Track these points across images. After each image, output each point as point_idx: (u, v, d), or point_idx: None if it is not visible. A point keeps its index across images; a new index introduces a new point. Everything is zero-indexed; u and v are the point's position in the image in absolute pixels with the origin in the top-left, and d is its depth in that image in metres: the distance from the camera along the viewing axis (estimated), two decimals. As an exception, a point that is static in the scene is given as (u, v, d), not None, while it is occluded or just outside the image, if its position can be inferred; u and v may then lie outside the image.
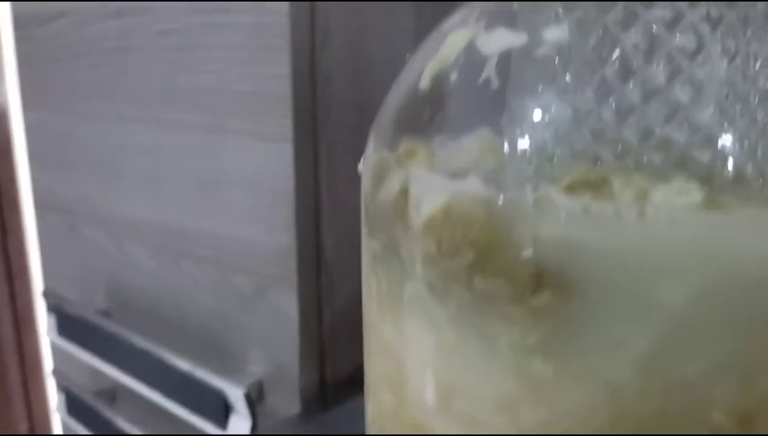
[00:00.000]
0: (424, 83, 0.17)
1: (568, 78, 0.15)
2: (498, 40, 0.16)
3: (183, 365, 0.47)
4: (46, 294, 0.59)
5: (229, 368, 0.48)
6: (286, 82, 0.42)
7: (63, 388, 0.59)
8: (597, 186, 0.14)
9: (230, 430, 0.43)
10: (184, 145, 0.49)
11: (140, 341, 0.52)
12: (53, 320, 0.58)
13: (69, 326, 0.57)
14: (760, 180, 0.14)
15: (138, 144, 0.53)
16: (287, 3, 0.41)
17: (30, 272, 0.87)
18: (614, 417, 0.14)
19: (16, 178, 0.92)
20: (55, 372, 0.61)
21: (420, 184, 0.16)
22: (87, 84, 0.57)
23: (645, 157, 0.14)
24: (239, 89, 0.45)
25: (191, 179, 0.49)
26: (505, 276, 0.14)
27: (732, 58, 0.15)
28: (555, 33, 0.15)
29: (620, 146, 0.15)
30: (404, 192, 0.16)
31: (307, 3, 0.42)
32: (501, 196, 0.14)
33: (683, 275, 0.13)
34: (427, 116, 0.17)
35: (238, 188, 0.46)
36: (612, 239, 0.13)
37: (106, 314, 0.58)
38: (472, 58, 0.17)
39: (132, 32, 0.52)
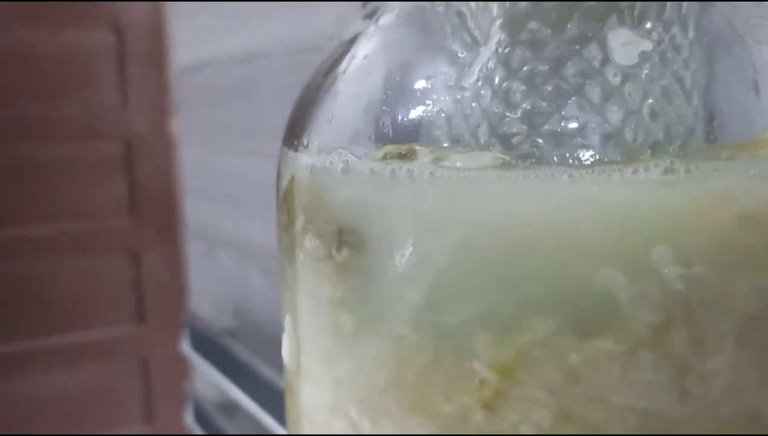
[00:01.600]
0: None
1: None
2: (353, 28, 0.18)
3: (281, 382, 0.51)
4: (185, 311, 0.66)
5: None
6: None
7: (192, 398, 0.65)
8: (404, 157, 0.15)
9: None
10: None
11: (252, 360, 0.56)
12: (188, 335, 0.65)
13: (200, 341, 0.63)
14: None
15: (257, 175, 0.59)
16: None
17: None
18: (397, 368, 0.15)
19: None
20: (188, 383, 0.67)
21: (283, 163, 0.18)
22: (223, 124, 0.64)
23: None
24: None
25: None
26: (321, 236, 0.16)
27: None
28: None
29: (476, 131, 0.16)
30: (278, 172, 0.18)
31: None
32: (318, 165, 0.16)
33: (445, 231, 0.14)
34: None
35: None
36: (389, 197, 0.14)
37: (231, 333, 0.63)
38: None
39: (254, 76, 0.58)
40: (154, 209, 1.46)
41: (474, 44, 0.16)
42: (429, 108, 0.16)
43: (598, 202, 0.13)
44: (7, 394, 1.32)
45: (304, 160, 0.17)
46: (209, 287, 0.70)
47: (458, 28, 0.16)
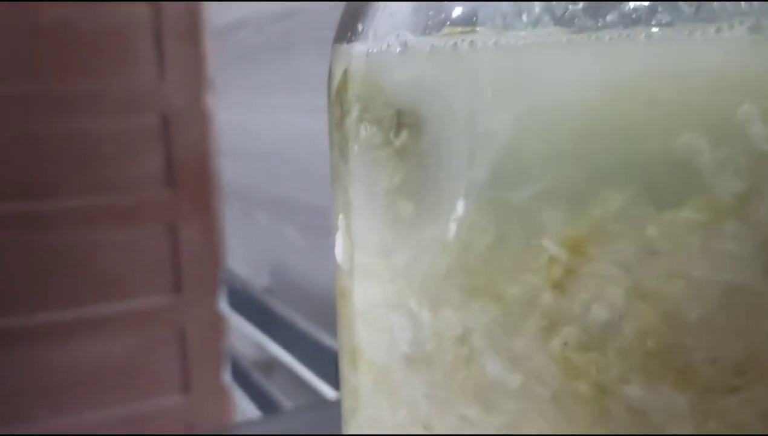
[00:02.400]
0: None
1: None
2: None
3: (317, 334, 0.51)
4: (222, 271, 0.67)
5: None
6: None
7: (230, 356, 0.65)
8: (463, 34, 0.14)
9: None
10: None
11: (291, 315, 0.56)
12: (225, 294, 0.65)
13: (237, 299, 0.64)
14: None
15: (295, 131, 0.58)
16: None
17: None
18: (460, 252, 0.14)
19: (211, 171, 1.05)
20: (225, 342, 0.68)
21: (335, 59, 0.17)
22: (260, 82, 0.64)
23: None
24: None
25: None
26: (377, 122, 0.15)
27: None
28: None
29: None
30: (329, 71, 0.18)
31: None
32: (374, 50, 0.15)
33: (509, 102, 0.13)
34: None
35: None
36: (451, 72, 0.14)
37: (269, 290, 0.64)
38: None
39: (293, 31, 0.57)
40: (191, 181, 1.47)
41: None
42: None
43: (679, 64, 0.12)
44: (48, 362, 1.35)
45: (358, 48, 0.16)
46: (246, 248, 0.70)
47: None
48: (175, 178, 1.47)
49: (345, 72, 0.16)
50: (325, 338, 0.49)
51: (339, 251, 0.17)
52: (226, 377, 0.66)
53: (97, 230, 1.39)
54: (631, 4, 0.14)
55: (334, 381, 0.48)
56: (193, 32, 1.47)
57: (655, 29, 0.12)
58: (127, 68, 1.41)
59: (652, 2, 0.14)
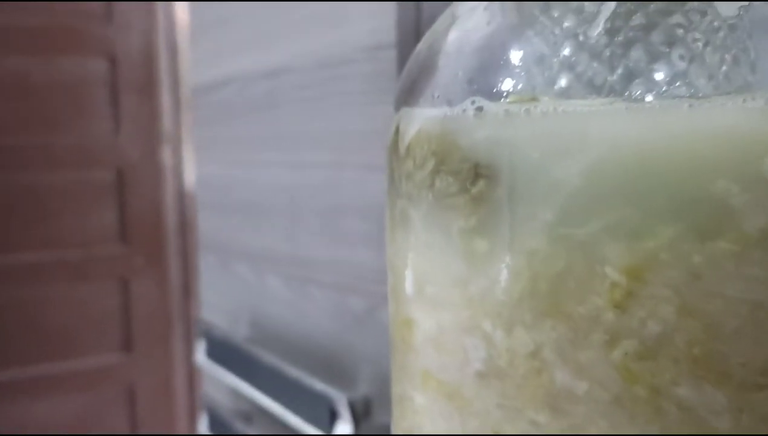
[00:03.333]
0: (421, 49, 0.22)
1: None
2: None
3: (305, 379, 0.53)
4: (199, 322, 0.68)
5: (343, 383, 0.52)
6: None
7: (207, 408, 0.66)
8: (530, 102, 0.18)
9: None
10: (313, 183, 0.56)
11: (273, 362, 0.58)
12: (203, 345, 0.66)
13: (215, 350, 0.65)
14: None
15: (279, 185, 0.61)
16: (396, 50, 0.47)
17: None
18: (532, 280, 0.17)
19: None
20: (202, 393, 0.68)
21: (406, 120, 0.20)
22: (243, 138, 0.66)
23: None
24: (356, 129, 0.51)
25: (318, 212, 0.56)
26: (454, 174, 0.18)
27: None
28: None
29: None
30: (396, 130, 0.21)
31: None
32: (449, 113, 0.18)
33: (575, 157, 0.16)
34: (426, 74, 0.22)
35: (355, 217, 0.52)
36: (521, 132, 0.17)
37: (250, 340, 0.65)
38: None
39: (279, 90, 0.61)
40: (144, 237, 1.47)
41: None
42: (520, 74, 0.19)
43: (715, 126, 0.15)
44: (-3, 421, 1.31)
45: (432, 112, 0.19)
46: (223, 299, 0.71)
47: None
48: (129, 233, 1.46)
49: (418, 132, 0.19)
50: (315, 383, 0.51)
51: (409, 285, 0.20)
52: (202, 428, 0.67)
53: (50, 285, 1.37)
54: (657, 76, 0.17)
55: (326, 426, 0.50)
56: (149, 86, 1.49)
57: (696, 100, 0.16)
58: (82, 122, 1.41)
59: (672, 74, 0.18)
